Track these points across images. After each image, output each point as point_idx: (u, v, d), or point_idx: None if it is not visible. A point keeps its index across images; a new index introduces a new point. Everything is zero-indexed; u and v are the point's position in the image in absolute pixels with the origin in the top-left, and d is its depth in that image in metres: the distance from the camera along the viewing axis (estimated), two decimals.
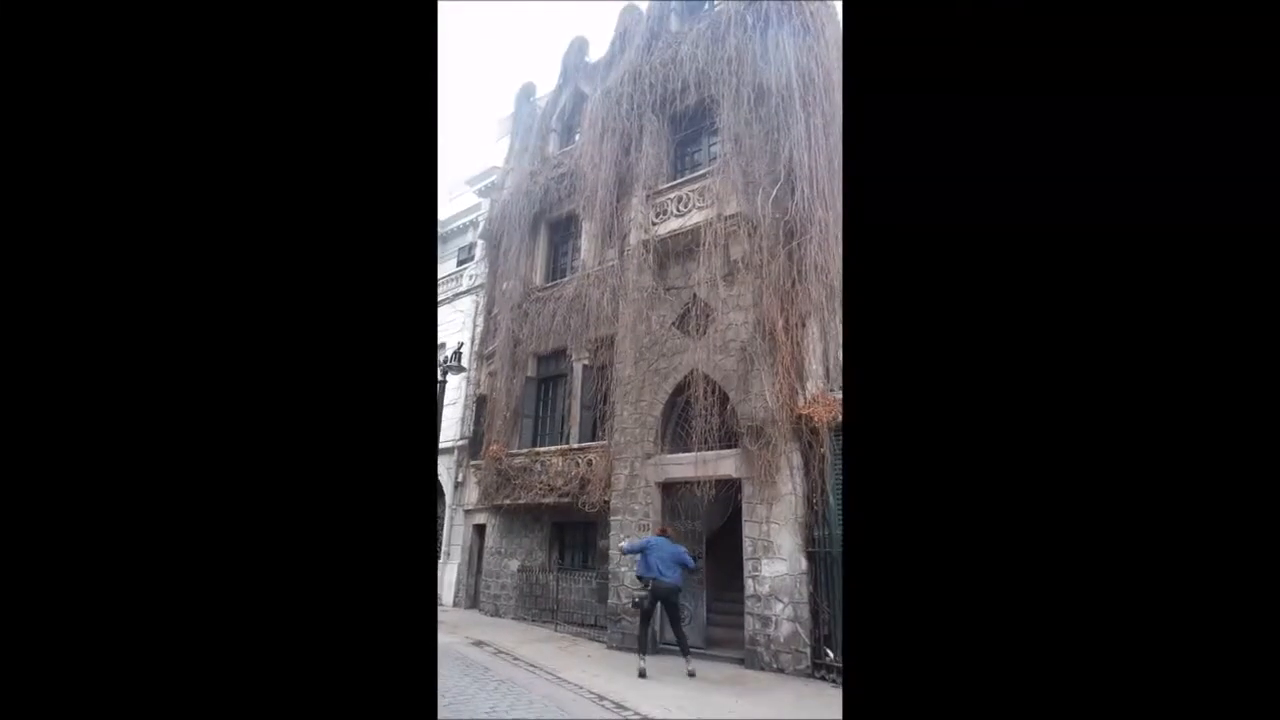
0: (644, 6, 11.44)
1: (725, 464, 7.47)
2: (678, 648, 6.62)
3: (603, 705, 5.24)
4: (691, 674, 6.21)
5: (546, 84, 14.00)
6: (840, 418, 6.65)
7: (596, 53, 12.73)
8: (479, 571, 11.38)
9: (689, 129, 9.80)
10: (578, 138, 11.95)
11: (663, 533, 7.10)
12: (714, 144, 9.19)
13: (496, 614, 10.34)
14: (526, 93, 14.53)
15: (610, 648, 7.74)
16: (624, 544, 7.41)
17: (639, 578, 6.72)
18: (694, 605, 7.56)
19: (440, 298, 14.74)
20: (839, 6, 9.76)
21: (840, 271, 7.59)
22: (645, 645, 6.65)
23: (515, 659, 7.00)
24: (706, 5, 10.57)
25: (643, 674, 6.16)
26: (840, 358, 7.62)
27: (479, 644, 7.82)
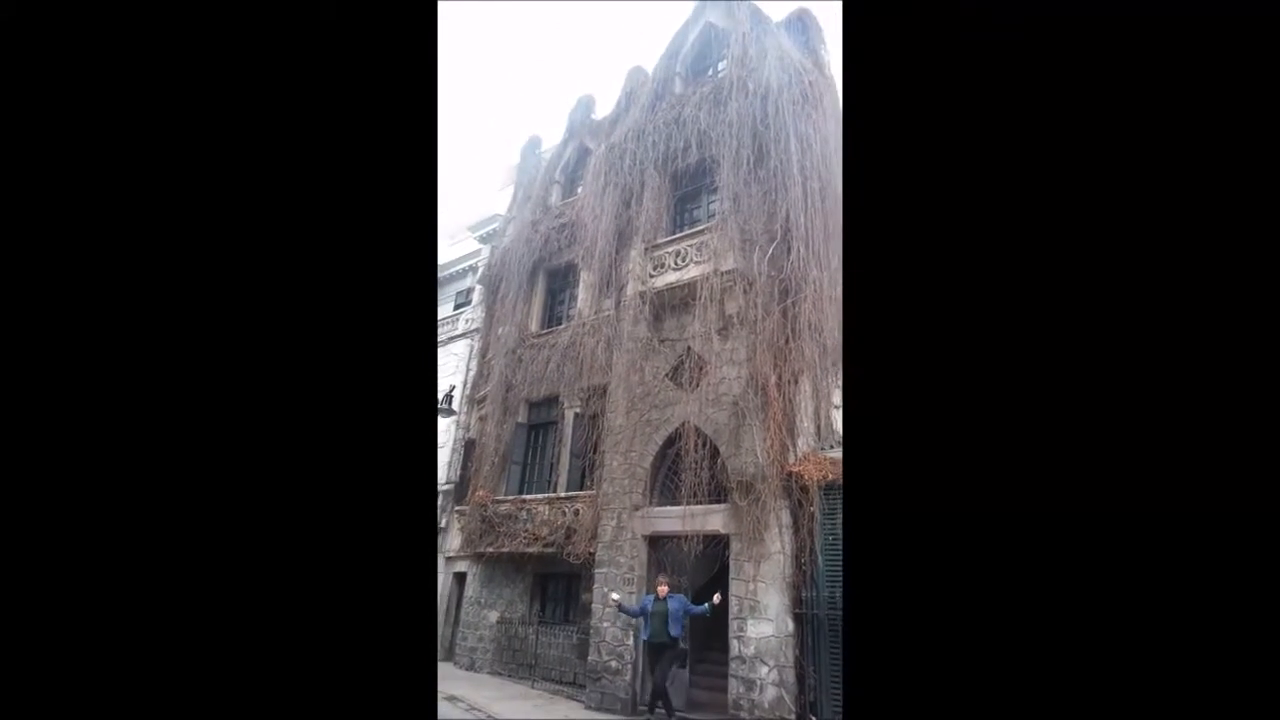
0: (650, 68, 11.87)
1: (714, 519, 7.35)
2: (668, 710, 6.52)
3: None
4: None
5: (552, 138, 14.41)
6: (830, 477, 6.61)
7: (602, 111, 13.14)
8: (456, 622, 11.03)
9: (689, 186, 10.04)
10: (580, 190, 12.21)
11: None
12: (713, 202, 9.40)
13: (472, 667, 9.97)
14: (533, 145, 14.93)
15: (589, 708, 7.45)
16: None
17: None
18: (677, 664, 7.32)
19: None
20: (837, 78, 10.16)
21: (833, 330, 7.68)
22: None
23: (490, 717, 6.72)
24: (710, 71, 10.99)
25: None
26: (831, 417, 7.63)
27: (452, 699, 7.51)
